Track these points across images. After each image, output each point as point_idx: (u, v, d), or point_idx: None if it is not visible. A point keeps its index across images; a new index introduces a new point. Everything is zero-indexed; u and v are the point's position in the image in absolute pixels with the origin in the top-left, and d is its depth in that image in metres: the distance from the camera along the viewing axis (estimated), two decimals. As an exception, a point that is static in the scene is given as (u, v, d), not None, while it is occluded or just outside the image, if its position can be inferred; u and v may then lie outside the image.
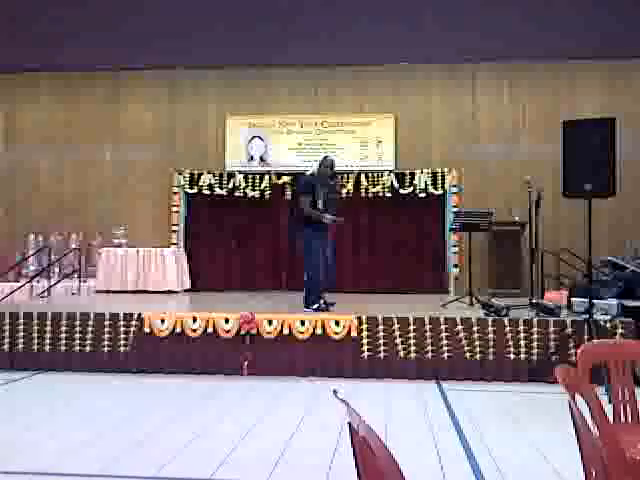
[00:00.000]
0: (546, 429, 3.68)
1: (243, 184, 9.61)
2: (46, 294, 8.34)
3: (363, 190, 9.43)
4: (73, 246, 9.37)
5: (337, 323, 5.29)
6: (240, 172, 9.66)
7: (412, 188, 9.33)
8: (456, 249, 9.15)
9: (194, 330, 5.39)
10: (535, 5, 7.64)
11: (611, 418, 2.11)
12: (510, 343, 5.18)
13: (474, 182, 9.31)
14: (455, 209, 8.46)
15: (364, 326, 5.29)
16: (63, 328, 5.56)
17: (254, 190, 9.60)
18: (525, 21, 7.98)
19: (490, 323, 5.24)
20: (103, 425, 3.79)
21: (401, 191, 9.36)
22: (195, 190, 9.70)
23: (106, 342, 5.49)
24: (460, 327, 5.24)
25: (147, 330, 5.44)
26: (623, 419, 2.22)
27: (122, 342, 5.48)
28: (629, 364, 2.26)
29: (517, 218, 8.37)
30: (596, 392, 1.86)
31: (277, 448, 3.31)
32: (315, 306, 5.83)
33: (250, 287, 9.31)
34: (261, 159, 9.72)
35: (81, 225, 9.69)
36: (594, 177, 4.85)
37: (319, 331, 5.28)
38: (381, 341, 5.26)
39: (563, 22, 7.96)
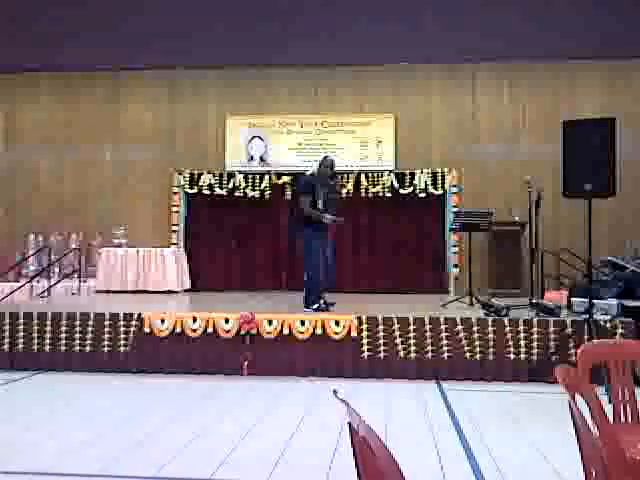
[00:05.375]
0: (546, 429, 3.68)
1: (243, 184, 9.61)
2: (46, 294, 8.34)
3: (363, 190, 9.43)
4: (73, 246, 9.37)
5: (337, 323, 5.29)
6: (240, 172, 9.66)
7: (412, 188, 9.33)
8: (456, 249, 9.15)
9: (194, 330, 5.39)
10: (535, 5, 7.64)
11: (611, 418, 2.11)
12: (510, 343, 5.18)
13: (474, 182, 9.31)
14: (455, 209, 8.46)
15: (364, 326, 5.29)
16: (63, 328, 5.56)
17: (254, 190, 9.60)
18: (525, 21, 7.98)
19: (490, 323, 5.24)
20: (103, 425, 3.79)
21: (401, 191, 9.36)
22: (195, 190, 9.70)
23: (106, 342, 5.49)
24: (460, 327, 5.24)
25: (147, 330, 5.44)
26: (623, 419, 2.22)
27: (122, 342, 5.48)
28: (629, 364, 2.26)
29: (517, 218, 8.36)
30: (596, 392, 1.86)
31: (277, 448, 3.31)
32: (315, 306, 5.83)
33: (250, 287, 9.31)
34: (261, 159, 9.72)
35: (81, 225, 9.69)
36: (594, 177, 4.85)
37: (319, 331, 5.28)
38: (381, 341, 5.26)
39: (563, 22, 7.96)
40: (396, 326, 5.27)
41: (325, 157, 6.24)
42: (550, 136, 8.51)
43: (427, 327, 5.25)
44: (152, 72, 9.99)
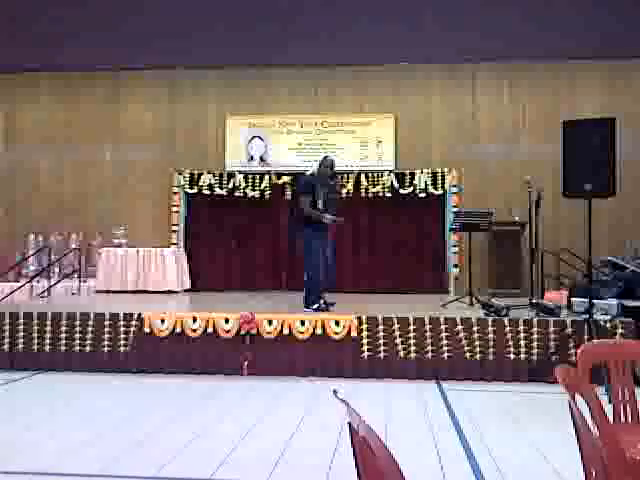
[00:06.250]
0: (546, 429, 3.68)
1: (243, 184, 9.61)
2: (46, 294, 8.34)
3: (363, 190, 9.43)
4: (73, 246, 9.37)
5: (337, 323, 5.29)
6: (240, 172, 9.66)
7: (412, 188, 9.33)
8: (456, 249, 9.15)
9: (194, 330, 5.38)
10: (535, 5, 7.64)
11: (611, 418, 2.11)
12: (510, 343, 5.18)
13: (474, 182, 9.31)
14: (455, 209, 8.46)
15: (364, 326, 5.29)
16: (63, 328, 5.56)
17: (254, 190, 9.60)
18: (525, 21, 7.98)
19: (490, 323, 5.24)
20: (103, 425, 3.79)
21: (401, 191, 9.36)
22: (195, 190, 9.70)
23: (106, 342, 5.49)
24: (460, 327, 5.24)
25: (147, 330, 5.43)
26: (623, 419, 2.22)
27: (122, 342, 5.48)
28: (629, 364, 2.26)
29: (517, 218, 8.36)
30: (596, 392, 1.86)
31: (277, 448, 3.31)
32: (315, 306, 5.83)
33: (250, 287, 9.30)
34: (261, 159, 9.72)
35: (81, 225, 9.69)
36: (594, 177, 4.85)
37: (319, 331, 5.28)
38: (381, 341, 5.26)
39: (563, 22, 7.96)
40: (396, 326, 5.27)
41: (325, 157, 6.24)
42: (550, 136, 8.51)
43: (427, 327, 5.25)
44: (152, 72, 9.99)
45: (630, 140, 8.49)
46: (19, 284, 8.55)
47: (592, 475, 1.60)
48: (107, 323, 5.53)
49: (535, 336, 5.15)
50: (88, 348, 5.50)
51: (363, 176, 9.44)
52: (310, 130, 9.67)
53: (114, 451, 3.27)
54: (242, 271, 9.65)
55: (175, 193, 9.74)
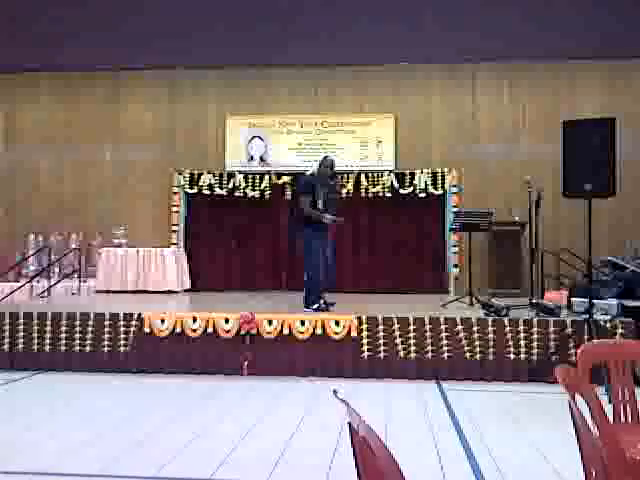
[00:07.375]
0: (546, 429, 3.68)
1: (243, 184, 9.61)
2: (46, 294, 8.34)
3: (363, 190, 9.43)
4: (73, 246, 9.37)
5: (337, 323, 5.29)
6: (240, 172, 9.66)
7: (412, 188, 9.33)
8: (456, 249, 9.15)
9: (194, 330, 5.38)
10: (535, 5, 7.64)
11: (611, 418, 2.11)
12: (510, 343, 5.18)
13: (474, 182, 9.31)
14: (455, 209, 8.46)
15: (364, 326, 5.29)
16: (63, 328, 5.55)
17: (254, 190, 9.60)
18: (525, 21, 7.98)
19: (490, 323, 5.24)
20: (103, 425, 3.79)
21: (401, 191, 9.36)
22: (195, 190, 9.70)
23: (106, 342, 5.49)
24: (460, 327, 5.24)
25: (147, 330, 5.43)
26: (623, 419, 2.22)
27: (122, 342, 5.48)
28: (629, 364, 2.26)
29: (517, 218, 8.36)
30: (596, 392, 1.86)
31: (277, 448, 3.31)
32: (315, 306, 5.83)
33: (250, 287, 9.30)
34: (261, 159, 9.72)
35: (81, 225, 9.69)
36: (594, 177, 4.85)
37: (319, 331, 5.28)
38: (381, 341, 5.26)
39: (563, 22, 7.96)
40: (396, 326, 5.27)
41: (325, 157, 6.24)
42: (550, 136, 8.51)
43: (427, 327, 5.25)
44: (152, 72, 9.99)
45: (630, 140, 8.49)
46: (19, 284, 8.55)
47: (592, 475, 1.60)
48: (107, 323, 5.53)
49: (535, 336, 5.15)
50: (88, 348, 5.50)
51: (363, 176, 9.44)
52: (310, 130, 9.67)
53: (114, 451, 3.27)
54: (242, 271, 9.65)
55: (175, 193, 9.74)
